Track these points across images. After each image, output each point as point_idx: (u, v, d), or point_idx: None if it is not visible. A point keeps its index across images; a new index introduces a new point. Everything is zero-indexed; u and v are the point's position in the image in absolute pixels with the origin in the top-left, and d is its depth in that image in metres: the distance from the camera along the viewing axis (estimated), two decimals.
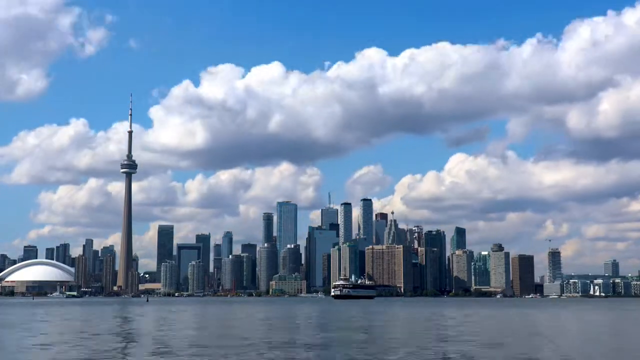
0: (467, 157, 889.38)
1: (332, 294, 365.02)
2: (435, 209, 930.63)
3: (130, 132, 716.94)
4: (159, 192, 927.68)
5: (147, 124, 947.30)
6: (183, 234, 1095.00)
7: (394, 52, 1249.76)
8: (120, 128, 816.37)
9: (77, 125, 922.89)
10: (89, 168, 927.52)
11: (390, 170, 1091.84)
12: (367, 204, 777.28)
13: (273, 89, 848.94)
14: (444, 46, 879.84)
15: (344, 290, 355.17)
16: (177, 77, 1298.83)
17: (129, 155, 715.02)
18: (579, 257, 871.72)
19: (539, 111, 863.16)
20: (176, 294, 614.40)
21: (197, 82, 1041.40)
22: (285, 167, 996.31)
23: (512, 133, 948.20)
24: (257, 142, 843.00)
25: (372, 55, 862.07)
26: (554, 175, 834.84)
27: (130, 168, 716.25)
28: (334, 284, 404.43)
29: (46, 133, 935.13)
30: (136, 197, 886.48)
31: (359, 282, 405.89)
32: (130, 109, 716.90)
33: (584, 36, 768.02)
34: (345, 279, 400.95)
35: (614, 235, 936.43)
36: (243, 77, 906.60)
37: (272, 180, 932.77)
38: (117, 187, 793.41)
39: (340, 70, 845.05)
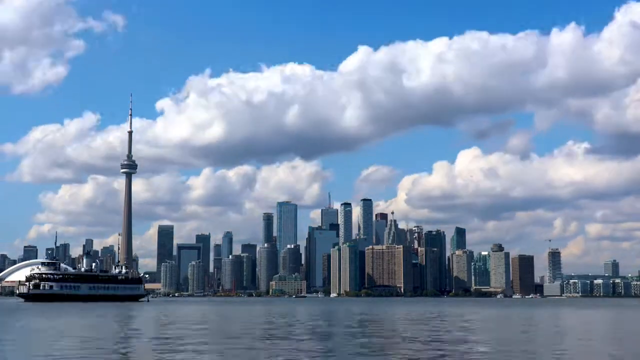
0: (481, 153, 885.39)
1: (18, 292, 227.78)
2: (445, 208, 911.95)
3: (130, 132, 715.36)
4: (166, 189, 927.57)
5: (162, 117, 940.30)
6: (187, 233, 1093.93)
7: (424, 40, 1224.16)
8: (135, 123, 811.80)
9: (88, 121, 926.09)
10: (95, 165, 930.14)
11: (401, 165, 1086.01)
12: (367, 204, 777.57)
13: (292, 83, 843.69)
14: (478, 35, 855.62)
15: (44, 285, 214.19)
16: (194, 72, 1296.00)
17: (129, 155, 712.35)
18: (585, 256, 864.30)
19: (567, 104, 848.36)
20: (176, 294, 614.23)
21: (212, 78, 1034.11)
22: (296, 164, 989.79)
23: (535, 127, 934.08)
24: (271, 137, 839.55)
25: (397, 47, 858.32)
26: (573, 172, 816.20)
27: (130, 168, 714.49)
28: (26, 275, 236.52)
29: (53, 129, 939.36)
30: (143, 194, 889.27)
31: (83, 269, 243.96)
32: (130, 109, 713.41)
33: (625, 23, 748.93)
34: (51, 263, 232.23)
35: (619, 235, 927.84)
36: (262, 72, 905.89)
37: (281, 178, 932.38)
38: (122, 184, 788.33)
39: (363, 61, 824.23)
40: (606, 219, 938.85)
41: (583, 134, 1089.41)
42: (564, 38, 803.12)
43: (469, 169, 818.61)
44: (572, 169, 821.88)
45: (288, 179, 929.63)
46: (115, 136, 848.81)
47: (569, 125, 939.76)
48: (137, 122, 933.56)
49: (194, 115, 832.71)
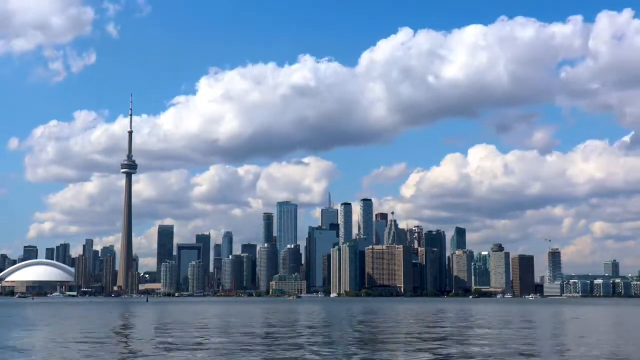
0: (499, 148, 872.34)
1: None
2: (457, 205, 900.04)
3: (130, 132, 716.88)
4: (173, 186, 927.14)
5: (173, 113, 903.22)
6: (193, 231, 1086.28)
7: (450, 29, 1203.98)
8: (149, 120, 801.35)
9: (97, 116, 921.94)
10: (101, 162, 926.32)
11: (416, 161, 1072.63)
12: (367, 203, 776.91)
13: (311, 76, 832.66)
14: (515, 22, 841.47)
15: None
16: (206, 67, 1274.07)
17: (129, 155, 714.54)
18: (591, 255, 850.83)
19: (599, 95, 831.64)
20: (176, 294, 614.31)
21: (226, 71, 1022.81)
22: (307, 161, 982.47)
23: (561, 121, 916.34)
24: (282, 132, 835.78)
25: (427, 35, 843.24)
26: (593, 169, 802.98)
27: (130, 168, 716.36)
28: None
29: (60, 125, 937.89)
30: (150, 192, 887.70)
31: None
32: (130, 109, 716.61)
33: None
34: None
35: (627, 234, 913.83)
36: (281, 67, 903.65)
37: (289, 176, 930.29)
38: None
39: (388, 50, 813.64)
40: (614, 217, 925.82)
41: (612, 129, 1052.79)
42: (610, 23, 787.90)
43: (484, 165, 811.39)
44: (593, 165, 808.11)
45: (296, 176, 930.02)
46: (122, 131, 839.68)
47: (598, 119, 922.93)
48: (149, 118, 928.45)
49: (205, 110, 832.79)
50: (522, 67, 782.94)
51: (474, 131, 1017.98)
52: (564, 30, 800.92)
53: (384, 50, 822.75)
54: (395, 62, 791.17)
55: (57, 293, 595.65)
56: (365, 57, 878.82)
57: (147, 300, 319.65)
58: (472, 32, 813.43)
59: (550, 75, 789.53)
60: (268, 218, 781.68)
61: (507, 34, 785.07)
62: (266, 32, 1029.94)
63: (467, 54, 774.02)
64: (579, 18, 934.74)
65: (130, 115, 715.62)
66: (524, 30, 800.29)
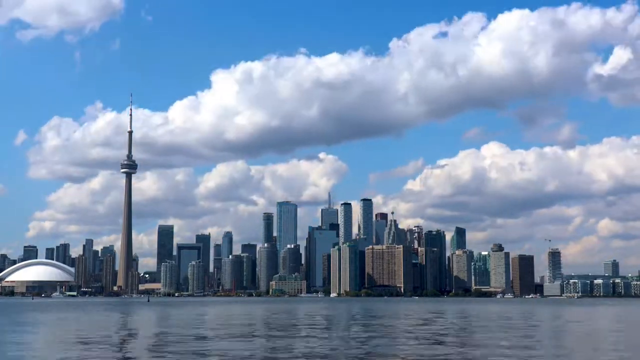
0: (513, 145, 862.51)
1: None
2: (468, 203, 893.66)
3: (130, 132, 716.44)
4: (183, 183, 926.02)
5: (182, 109, 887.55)
6: (202, 229, 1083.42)
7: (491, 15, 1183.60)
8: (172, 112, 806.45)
9: (102, 112, 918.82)
10: (105, 160, 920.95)
11: (430, 156, 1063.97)
12: (367, 203, 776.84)
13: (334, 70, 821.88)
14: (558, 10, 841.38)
15: None
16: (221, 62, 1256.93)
17: (129, 155, 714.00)
18: (597, 254, 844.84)
19: (635, 87, 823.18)
20: (176, 294, 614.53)
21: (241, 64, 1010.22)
22: (322, 157, 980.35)
23: (588, 114, 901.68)
24: (295, 128, 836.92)
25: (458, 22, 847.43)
26: (611, 165, 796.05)
27: (130, 168, 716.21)
28: None
29: (67, 120, 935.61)
30: (157, 190, 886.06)
31: None
32: (130, 109, 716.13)
33: None
34: None
35: (635, 232, 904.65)
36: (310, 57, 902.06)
37: (298, 174, 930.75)
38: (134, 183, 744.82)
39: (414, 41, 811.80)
40: (628, 215, 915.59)
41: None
42: None
43: (499, 162, 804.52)
44: (612, 161, 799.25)
45: (307, 173, 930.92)
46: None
47: (628, 111, 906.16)
48: (163, 114, 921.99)
49: (218, 105, 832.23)
50: (560, 56, 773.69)
51: (498, 125, 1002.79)
52: (617, 17, 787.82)
53: (417, 38, 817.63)
54: (426, 51, 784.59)
55: (57, 293, 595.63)
56: (395, 46, 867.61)
57: (148, 300, 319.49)
58: (516, 18, 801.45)
59: (587, 65, 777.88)
60: (268, 218, 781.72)
61: (551, 19, 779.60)
62: (276, 26, 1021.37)
63: (507, 41, 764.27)
64: (634, 3, 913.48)
65: (130, 115, 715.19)
66: (573, 16, 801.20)
